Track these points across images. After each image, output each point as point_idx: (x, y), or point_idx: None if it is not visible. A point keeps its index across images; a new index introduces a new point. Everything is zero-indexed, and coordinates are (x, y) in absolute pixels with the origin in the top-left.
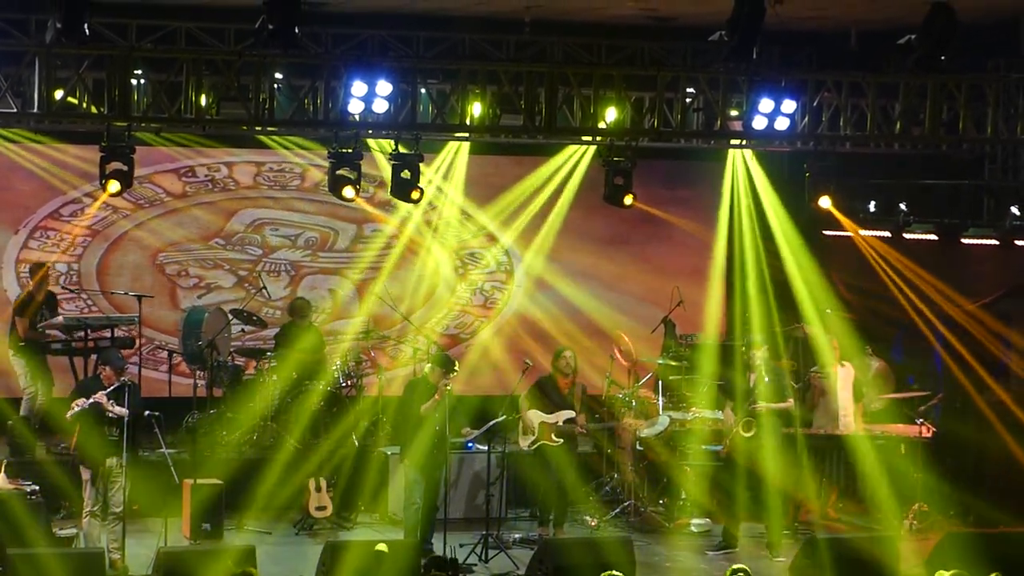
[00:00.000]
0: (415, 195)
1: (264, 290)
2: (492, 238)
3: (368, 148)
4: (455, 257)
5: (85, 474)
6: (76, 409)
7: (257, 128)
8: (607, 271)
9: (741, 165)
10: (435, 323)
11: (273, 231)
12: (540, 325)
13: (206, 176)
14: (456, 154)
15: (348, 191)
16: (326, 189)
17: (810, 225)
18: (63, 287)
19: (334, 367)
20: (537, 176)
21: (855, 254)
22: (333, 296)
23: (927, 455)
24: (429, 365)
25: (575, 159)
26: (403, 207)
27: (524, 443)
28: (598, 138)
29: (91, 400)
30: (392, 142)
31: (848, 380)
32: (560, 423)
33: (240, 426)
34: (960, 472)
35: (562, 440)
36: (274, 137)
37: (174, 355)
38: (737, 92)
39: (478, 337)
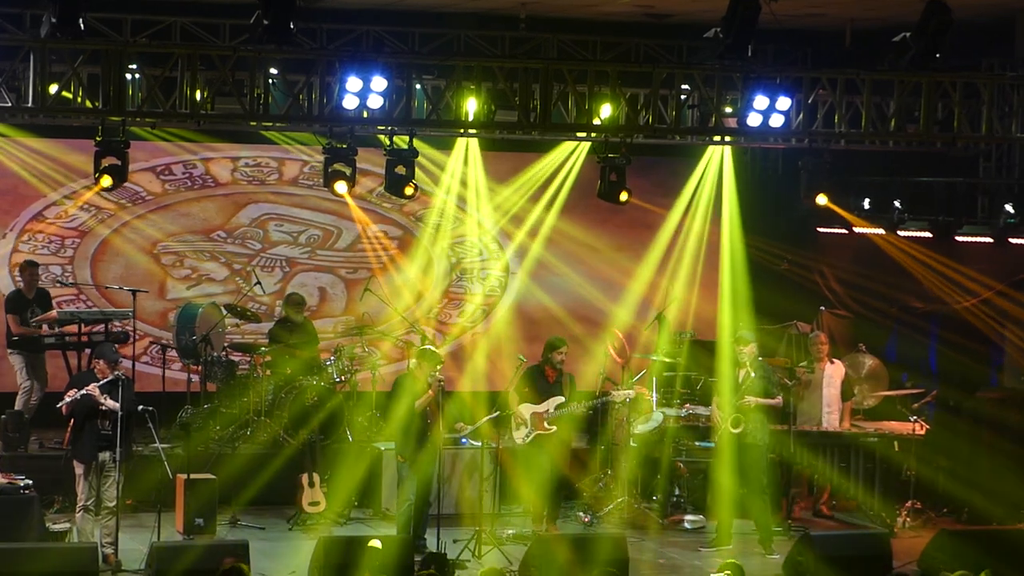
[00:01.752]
0: (408, 191)
1: (259, 285)
2: (488, 234)
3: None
4: (451, 253)
5: (78, 468)
6: (68, 400)
7: (252, 124)
8: (602, 267)
9: (718, 162)
10: (428, 319)
11: (277, 227)
12: (535, 321)
13: (183, 173)
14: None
15: (341, 186)
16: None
17: (804, 221)
18: (60, 283)
19: (328, 362)
20: (533, 172)
21: (849, 250)
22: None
23: (920, 452)
24: (415, 360)
25: (571, 155)
26: (409, 205)
27: (518, 437)
28: (593, 134)
29: (83, 391)
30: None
31: (835, 377)
32: (551, 410)
33: (234, 421)
34: (953, 469)
35: (555, 428)
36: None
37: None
38: (732, 89)
39: (472, 333)
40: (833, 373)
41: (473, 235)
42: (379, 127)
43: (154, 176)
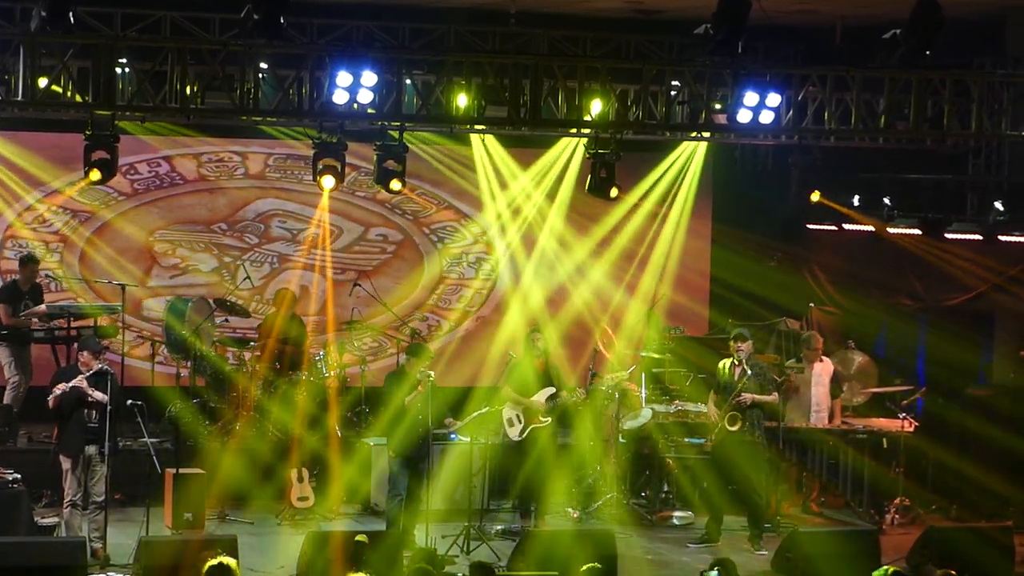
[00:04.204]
0: (394, 185)
1: (248, 279)
2: (479, 230)
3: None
4: (442, 248)
5: (65, 463)
6: (57, 393)
7: (242, 118)
8: (594, 263)
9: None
10: (419, 314)
11: (280, 223)
12: (525, 317)
13: (149, 172)
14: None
15: (329, 180)
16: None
17: (794, 218)
18: (49, 278)
19: (317, 357)
20: (527, 167)
21: (839, 247)
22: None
23: (909, 449)
24: (406, 356)
25: (567, 151)
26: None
27: (513, 434)
28: (583, 130)
29: (71, 384)
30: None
31: (824, 376)
32: (544, 402)
33: (222, 416)
34: (942, 466)
35: (550, 420)
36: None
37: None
38: (722, 85)
39: (462, 328)
40: (822, 372)
41: (466, 233)
42: (370, 123)
43: (120, 176)
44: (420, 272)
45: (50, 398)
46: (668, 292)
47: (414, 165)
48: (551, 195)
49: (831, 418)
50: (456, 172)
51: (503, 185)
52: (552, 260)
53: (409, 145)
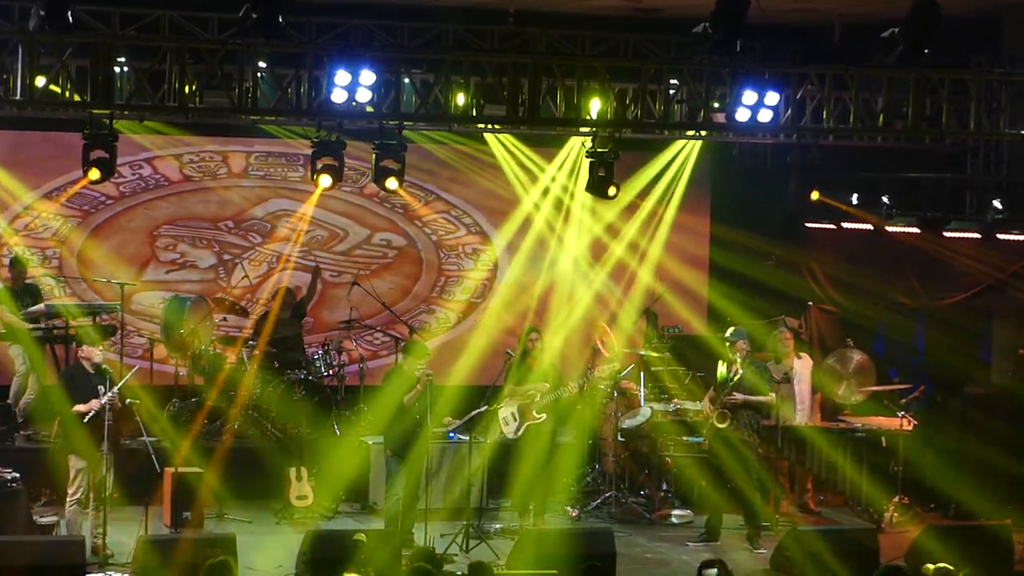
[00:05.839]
0: (391, 184)
1: (246, 278)
2: (477, 228)
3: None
4: (440, 246)
5: (80, 463)
6: (93, 414)
7: (242, 117)
8: (592, 261)
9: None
10: (417, 312)
11: (286, 224)
12: (523, 316)
13: (132, 175)
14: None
15: (326, 179)
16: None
17: (792, 217)
18: (53, 280)
19: (316, 356)
20: (530, 167)
21: (838, 246)
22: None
23: (908, 448)
24: (404, 355)
25: (572, 150)
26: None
27: (509, 432)
28: (582, 129)
29: (105, 399)
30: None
31: (804, 372)
32: (539, 397)
33: (221, 415)
34: (941, 465)
35: (544, 416)
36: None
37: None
38: (721, 84)
39: (460, 327)
40: (801, 369)
41: (463, 230)
42: (368, 122)
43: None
44: (418, 272)
45: (80, 409)
46: (666, 291)
47: (413, 160)
48: (553, 194)
49: (811, 414)
50: (460, 168)
51: (512, 182)
52: (550, 258)
53: (409, 141)
